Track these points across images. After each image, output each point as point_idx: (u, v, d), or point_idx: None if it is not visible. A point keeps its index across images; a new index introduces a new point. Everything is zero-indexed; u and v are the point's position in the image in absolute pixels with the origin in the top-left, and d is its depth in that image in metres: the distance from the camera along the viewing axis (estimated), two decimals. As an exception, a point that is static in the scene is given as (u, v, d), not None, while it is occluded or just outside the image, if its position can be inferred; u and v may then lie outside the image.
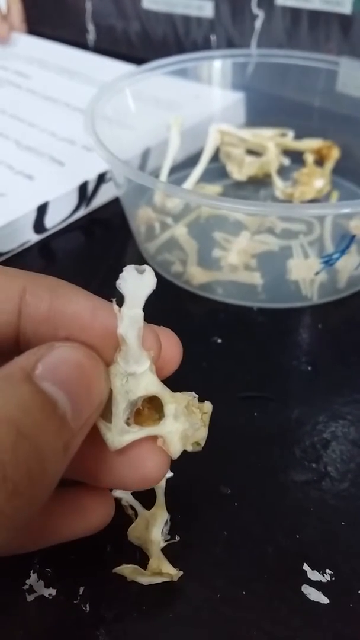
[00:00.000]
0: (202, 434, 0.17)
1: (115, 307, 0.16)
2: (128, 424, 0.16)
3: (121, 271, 0.16)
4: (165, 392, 0.17)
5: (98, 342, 0.16)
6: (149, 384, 0.16)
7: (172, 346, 0.17)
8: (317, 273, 0.31)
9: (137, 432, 0.16)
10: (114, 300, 0.16)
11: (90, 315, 0.16)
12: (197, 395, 0.17)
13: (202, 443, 0.17)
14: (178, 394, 0.17)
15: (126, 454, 0.17)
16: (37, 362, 0.14)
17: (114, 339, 0.16)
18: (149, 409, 0.17)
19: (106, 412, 0.16)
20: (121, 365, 0.16)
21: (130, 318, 0.16)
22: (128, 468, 0.17)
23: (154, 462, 0.17)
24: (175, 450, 0.17)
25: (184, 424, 0.17)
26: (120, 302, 0.16)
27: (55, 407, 0.14)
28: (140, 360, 0.16)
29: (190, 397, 0.17)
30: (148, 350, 0.16)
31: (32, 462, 0.13)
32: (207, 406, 0.17)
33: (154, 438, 0.17)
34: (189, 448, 0.17)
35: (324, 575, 0.20)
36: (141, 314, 0.16)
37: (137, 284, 0.16)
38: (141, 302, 0.16)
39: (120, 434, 0.16)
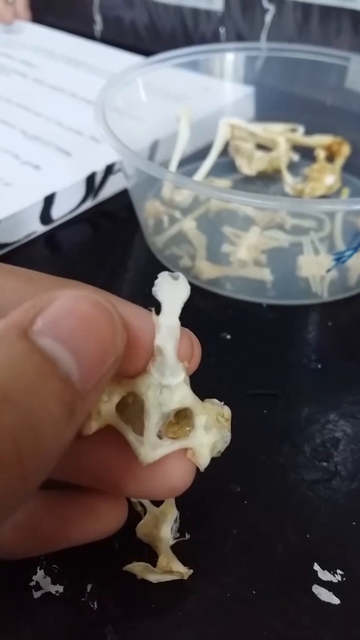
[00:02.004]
0: (228, 438, 0.17)
1: (154, 316, 0.15)
2: (159, 436, 0.16)
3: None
4: (197, 403, 0.16)
5: (138, 351, 0.15)
6: (183, 397, 0.16)
7: (189, 346, 0.16)
8: (328, 270, 0.30)
9: (169, 446, 0.16)
10: (153, 309, 0.15)
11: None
12: (222, 403, 0.17)
13: (223, 449, 0.17)
14: (207, 404, 0.16)
15: (153, 465, 0.16)
16: (35, 315, 0.12)
17: (143, 347, 0.15)
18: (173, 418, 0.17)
19: (138, 424, 0.16)
20: (155, 377, 0.15)
21: (168, 328, 0.15)
22: (154, 478, 0.16)
23: (181, 472, 0.16)
24: (204, 462, 0.16)
25: (215, 436, 0.16)
26: (157, 310, 0.15)
27: (55, 366, 0.12)
28: (176, 372, 0.15)
29: (219, 406, 0.16)
30: (182, 360, 0.16)
31: (21, 431, 0.11)
32: (227, 412, 0.17)
33: (181, 449, 0.16)
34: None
35: (334, 576, 0.20)
36: (178, 323, 0.15)
37: (173, 291, 0.15)
38: (178, 310, 0.15)
39: (152, 448, 0.16)
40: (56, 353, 0.12)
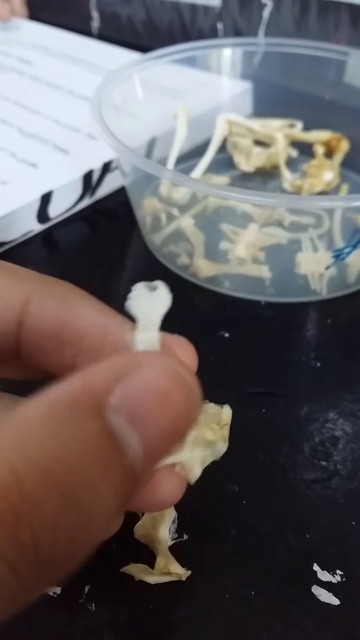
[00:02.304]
0: (222, 449, 0.16)
1: (127, 335, 0.14)
2: None
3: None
4: None
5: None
6: None
7: (188, 357, 0.15)
8: (327, 267, 0.30)
9: None
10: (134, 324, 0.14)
11: (101, 334, 0.14)
12: (221, 406, 0.17)
13: (219, 456, 0.17)
14: (202, 410, 0.16)
15: None
16: (115, 384, 0.11)
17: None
18: None
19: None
20: None
21: (145, 343, 0.14)
22: (144, 492, 0.15)
23: (171, 486, 0.16)
24: (194, 476, 0.16)
25: (204, 450, 0.16)
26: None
27: (122, 455, 0.11)
28: None
29: (215, 412, 0.16)
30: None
31: (75, 537, 0.10)
32: (226, 415, 0.16)
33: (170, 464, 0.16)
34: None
35: (334, 576, 0.20)
36: (157, 337, 0.14)
37: (150, 303, 0.13)
38: (156, 324, 0.14)
39: None
40: (127, 439, 0.11)
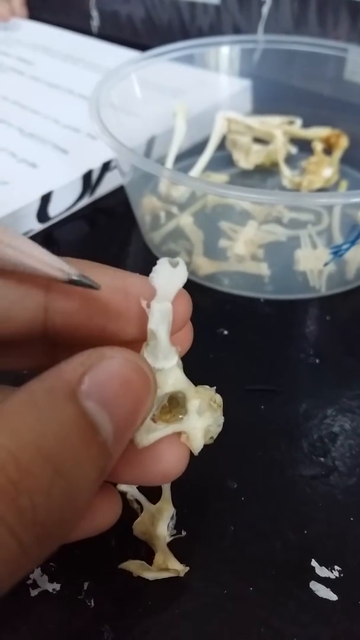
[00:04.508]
0: (219, 428, 0.17)
1: (144, 302, 0.15)
2: (153, 420, 0.16)
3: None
4: (190, 387, 0.16)
5: (135, 322, 0.15)
6: (176, 380, 0.16)
7: (182, 305, 0.16)
8: (326, 264, 0.30)
9: (163, 430, 0.16)
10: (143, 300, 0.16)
11: (123, 297, 0.15)
12: (215, 387, 0.17)
13: (215, 436, 0.17)
14: (200, 388, 0.16)
15: (147, 450, 0.16)
16: (84, 374, 0.13)
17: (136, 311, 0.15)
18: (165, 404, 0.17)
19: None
20: (149, 361, 0.15)
21: (160, 312, 0.15)
22: (148, 463, 0.16)
23: (175, 456, 0.16)
24: (198, 446, 0.16)
25: (208, 419, 0.16)
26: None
27: (96, 433, 0.13)
28: (169, 356, 0.16)
29: (211, 391, 0.17)
30: (176, 345, 0.16)
31: (65, 501, 0.12)
32: (219, 400, 0.17)
33: (174, 433, 0.16)
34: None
35: (332, 572, 0.20)
36: (170, 307, 0.15)
37: (169, 277, 0.15)
38: (172, 296, 0.15)
39: (147, 431, 0.16)
40: (98, 418, 0.13)
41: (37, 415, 0.12)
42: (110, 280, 0.16)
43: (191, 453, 0.17)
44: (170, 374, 0.16)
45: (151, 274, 0.15)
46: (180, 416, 0.16)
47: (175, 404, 0.16)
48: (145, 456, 0.16)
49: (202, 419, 0.16)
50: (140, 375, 0.14)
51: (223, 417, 0.17)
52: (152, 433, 0.16)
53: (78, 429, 0.12)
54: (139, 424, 0.14)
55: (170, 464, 0.16)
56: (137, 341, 0.16)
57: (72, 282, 0.15)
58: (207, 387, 0.17)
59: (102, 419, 0.13)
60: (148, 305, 0.15)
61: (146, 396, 0.14)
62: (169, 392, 0.16)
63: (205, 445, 0.17)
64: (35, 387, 0.13)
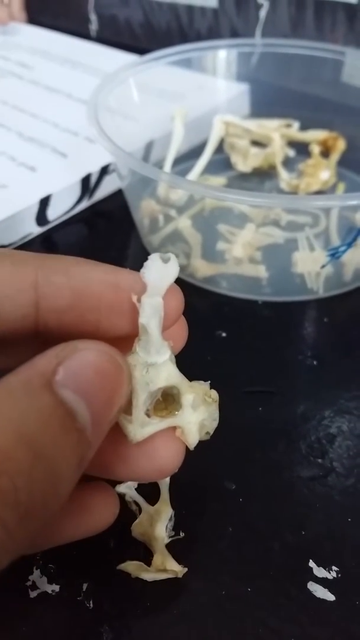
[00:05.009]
0: (215, 423, 0.17)
1: (134, 296, 0.15)
2: (147, 415, 0.16)
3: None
4: (184, 382, 0.16)
5: (128, 317, 0.15)
6: (169, 374, 0.16)
7: (174, 299, 0.16)
8: (323, 266, 0.30)
9: (157, 424, 0.16)
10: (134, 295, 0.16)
11: (114, 291, 0.15)
12: (209, 382, 0.17)
13: (212, 432, 0.17)
14: (194, 383, 0.17)
15: (142, 445, 0.16)
16: (58, 365, 0.13)
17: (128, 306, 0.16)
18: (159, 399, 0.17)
19: (126, 404, 0.16)
20: (141, 356, 0.16)
21: (151, 306, 0.15)
22: (143, 459, 0.16)
23: (170, 452, 0.16)
24: (193, 441, 0.16)
25: (203, 414, 0.16)
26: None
27: (74, 420, 0.13)
28: (161, 350, 0.16)
29: (206, 386, 0.17)
30: (166, 331, 0.16)
31: (47, 485, 0.12)
32: (214, 395, 0.17)
33: (169, 428, 0.16)
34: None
35: (330, 572, 0.20)
36: (161, 302, 0.15)
37: (161, 272, 0.15)
38: (163, 291, 0.15)
39: (141, 425, 0.16)
40: (75, 406, 0.13)
41: (15, 405, 0.12)
42: (101, 275, 0.16)
43: (187, 450, 0.17)
44: (163, 369, 0.16)
45: (142, 270, 0.15)
46: (175, 412, 0.16)
47: (171, 401, 0.17)
48: (140, 452, 0.16)
49: (196, 413, 0.16)
50: (113, 365, 0.14)
51: (218, 412, 0.17)
52: (146, 427, 0.16)
53: (56, 416, 0.13)
54: (116, 412, 0.14)
55: (166, 459, 0.16)
56: (130, 337, 0.16)
57: None
58: (202, 382, 0.17)
59: (78, 406, 0.13)
60: (139, 300, 0.15)
61: (121, 385, 0.14)
62: (162, 387, 0.16)
63: (203, 446, 0.17)
64: (11, 379, 0.13)
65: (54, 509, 0.13)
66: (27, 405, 0.12)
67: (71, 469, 0.13)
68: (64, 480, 0.13)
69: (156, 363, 0.16)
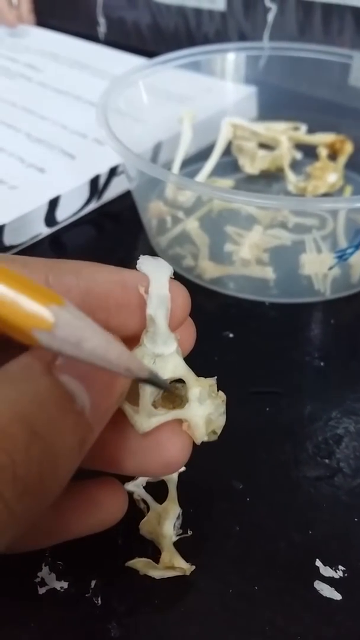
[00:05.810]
0: (221, 421, 0.17)
1: (141, 288, 0.16)
2: (154, 406, 0.16)
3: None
4: (190, 375, 0.16)
5: (135, 315, 0.16)
6: (176, 366, 0.16)
7: (180, 298, 0.17)
8: (330, 268, 0.30)
9: (164, 415, 0.16)
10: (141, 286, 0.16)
11: (122, 290, 0.16)
12: (215, 377, 0.17)
13: (219, 431, 0.17)
14: (201, 378, 0.17)
15: (149, 439, 0.16)
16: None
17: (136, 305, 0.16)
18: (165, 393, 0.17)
19: (133, 394, 0.16)
20: (148, 347, 0.16)
21: (158, 297, 0.15)
22: (150, 453, 0.16)
23: (177, 446, 0.16)
24: (200, 435, 0.16)
25: (209, 407, 0.16)
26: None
27: (72, 402, 0.13)
28: (168, 342, 0.16)
29: (212, 381, 0.17)
30: (175, 331, 0.16)
31: (45, 462, 0.13)
32: (222, 395, 0.17)
33: (176, 422, 0.16)
34: (206, 438, 0.17)
35: (336, 572, 0.20)
36: (168, 294, 0.16)
37: (154, 264, 0.16)
38: (166, 282, 0.16)
39: (148, 416, 0.16)
40: (73, 389, 0.13)
41: (13, 386, 0.13)
42: (108, 275, 0.16)
43: (195, 450, 0.17)
44: (170, 360, 0.16)
45: (137, 265, 0.16)
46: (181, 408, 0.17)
47: (178, 402, 0.17)
48: (147, 445, 0.16)
49: (203, 406, 0.16)
50: None
51: (225, 407, 0.17)
52: (153, 418, 0.16)
53: (54, 397, 0.13)
54: (118, 397, 0.15)
55: (172, 453, 0.16)
56: (139, 334, 0.16)
57: (140, 381, 0.15)
58: (209, 378, 0.17)
59: (77, 389, 0.13)
60: (146, 291, 0.16)
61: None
62: (169, 378, 0.16)
63: (211, 447, 0.17)
64: (11, 365, 0.13)
65: (53, 489, 0.13)
66: (25, 387, 0.13)
67: (70, 450, 0.13)
68: (62, 460, 0.13)
69: (163, 354, 0.16)
